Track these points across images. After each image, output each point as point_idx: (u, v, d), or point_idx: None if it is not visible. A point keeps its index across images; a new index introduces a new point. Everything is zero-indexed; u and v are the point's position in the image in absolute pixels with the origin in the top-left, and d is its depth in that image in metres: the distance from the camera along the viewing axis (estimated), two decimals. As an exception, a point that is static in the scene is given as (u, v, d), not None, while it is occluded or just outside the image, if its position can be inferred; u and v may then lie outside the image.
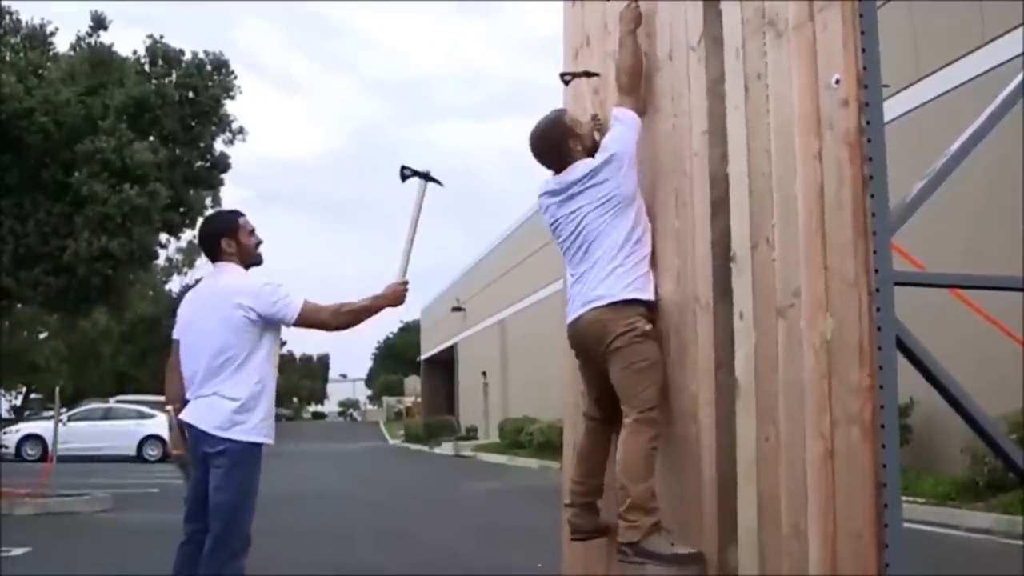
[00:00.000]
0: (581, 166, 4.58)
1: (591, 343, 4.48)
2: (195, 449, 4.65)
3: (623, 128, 4.57)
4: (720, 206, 4.15)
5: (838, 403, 3.31)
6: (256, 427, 4.59)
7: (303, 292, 4.78)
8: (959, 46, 13.12)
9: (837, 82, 3.36)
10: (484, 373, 43.88)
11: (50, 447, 16.36)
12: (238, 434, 4.53)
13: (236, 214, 5.03)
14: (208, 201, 16.50)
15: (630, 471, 4.23)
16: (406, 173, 5.15)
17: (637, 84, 4.68)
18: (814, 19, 3.51)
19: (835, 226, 3.36)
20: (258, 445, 4.61)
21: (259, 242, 4.98)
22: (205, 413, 4.58)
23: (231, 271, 4.83)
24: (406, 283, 4.93)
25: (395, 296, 4.88)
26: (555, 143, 4.73)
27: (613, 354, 4.36)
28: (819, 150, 3.45)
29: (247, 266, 4.90)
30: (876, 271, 3.23)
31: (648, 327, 4.40)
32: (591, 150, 4.68)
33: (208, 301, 4.78)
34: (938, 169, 3.55)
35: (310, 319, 4.73)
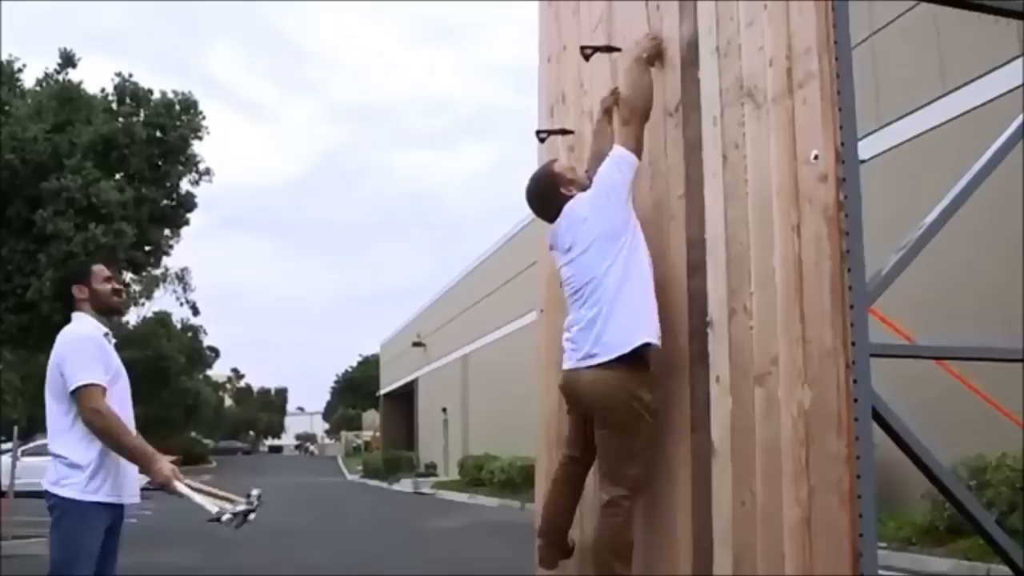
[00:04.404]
0: (571, 216, 4.49)
1: (588, 403, 4.41)
2: None
3: (608, 167, 4.42)
4: (697, 270, 4.22)
5: (815, 471, 3.38)
6: (88, 486, 4.43)
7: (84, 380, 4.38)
8: (920, 95, 13.35)
9: (816, 158, 3.45)
10: (444, 409, 43.73)
11: (4, 484, 16.02)
12: (65, 490, 4.41)
13: (93, 260, 4.94)
14: (166, 233, 16.44)
15: (615, 554, 4.28)
16: None
17: (638, 116, 4.49)
18: (793, 94, 3.61)
19: (813, 298, 3.44)
20: (89, 503, 4.43)
21: (117, 289, 4.85)
22: (47, 468, 4.49)
23: (76, 320, 4.67)
24: (174, 483, 4.45)
25: (159, 469, 4.43)
26: (550, 197, 4.64)
27: (610, 425, 4.30)
28: (798, 223, 3.53)
29: (105, 313, 4.78)
30: (853, 343, 3.31)
31: (650, 399, 4.28)
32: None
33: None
34: (914, 241, 3.64)
35: (80, 401, 4.40)
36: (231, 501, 4.59)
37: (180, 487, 4.49)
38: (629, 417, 4.25)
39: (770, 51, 3.76)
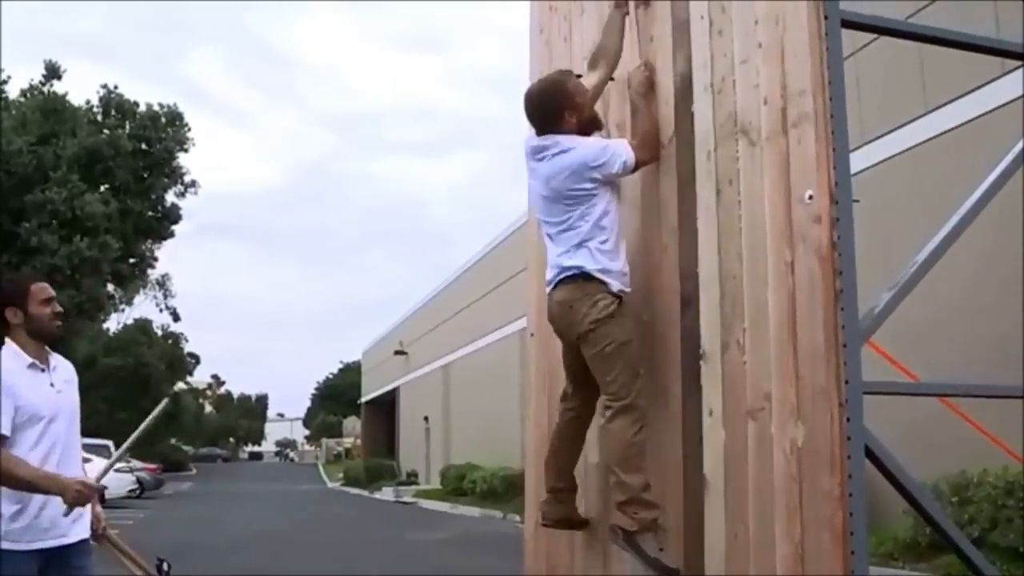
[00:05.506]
0: (559, 157, 4.39)
1: (563, 327, 4.42)
2: None
3: (604, 146, 4.42)
4: (689, 302, 4.25)
5: (808, 508, 3.41)
6: (8, 534, 4.01)
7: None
8: (901, 114, 13.43)
9: (810, 198, 3.48)
10: (426, 418, 43.68)
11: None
12: None
13: (29, 279, 4.34)
14: (149, 244, 16.41)
15: (621, 464, 4.22)
16: None
17: (652, 147, 4.49)
18: (788, 133, 3.64)
19: (806, 336, 3.47)
20: (9, 552, 4.00)
21: (56, 312, 4.24)
22: None
23: (3, 352, 4.12)
24: (92, 489, 4.06)
25: (67, 489, 3.95)
26: (548, 107, 4.49)
27: (583, 340, 4.30)
28: (791, 260, 3.56)
29: (42, 339, 4.22)
30: (847, 382, 3.35)
31: (613, 306, 4.27)
32: (585, 124, 4.51)
33: None
34: (907, 278, 3.68)
35: None
36: (141, 568, 4.45)
37: (110, 534, 4.34)
38: (592, 325, 4.24)
39: (764, 90, 3.78)
